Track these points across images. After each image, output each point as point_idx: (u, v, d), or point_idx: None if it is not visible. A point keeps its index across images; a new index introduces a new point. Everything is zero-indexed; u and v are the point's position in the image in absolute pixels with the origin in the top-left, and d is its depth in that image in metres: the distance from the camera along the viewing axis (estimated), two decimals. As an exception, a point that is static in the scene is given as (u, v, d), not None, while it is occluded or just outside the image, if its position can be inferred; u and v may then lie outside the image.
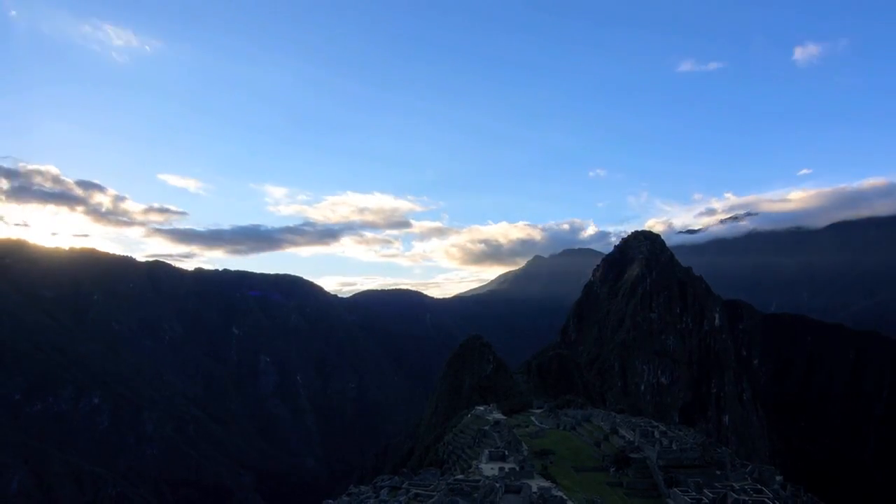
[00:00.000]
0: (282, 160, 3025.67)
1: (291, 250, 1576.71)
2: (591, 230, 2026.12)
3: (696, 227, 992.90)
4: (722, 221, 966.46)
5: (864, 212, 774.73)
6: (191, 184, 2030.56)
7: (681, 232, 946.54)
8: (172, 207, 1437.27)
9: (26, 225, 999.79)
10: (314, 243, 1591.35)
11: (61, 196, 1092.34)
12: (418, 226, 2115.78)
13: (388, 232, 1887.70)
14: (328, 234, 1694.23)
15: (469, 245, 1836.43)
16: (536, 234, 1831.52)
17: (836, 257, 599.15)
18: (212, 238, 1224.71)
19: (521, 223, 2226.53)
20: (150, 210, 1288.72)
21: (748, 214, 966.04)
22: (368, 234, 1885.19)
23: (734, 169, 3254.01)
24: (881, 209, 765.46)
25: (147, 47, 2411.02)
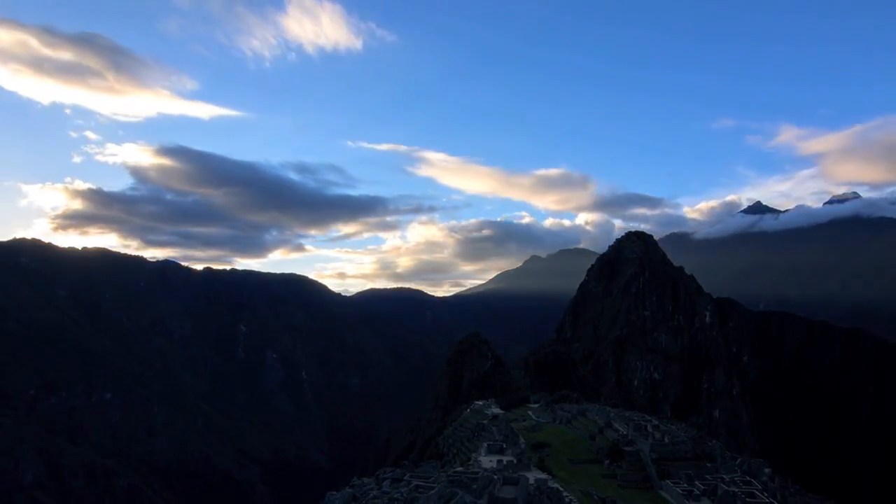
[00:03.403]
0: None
1: (293, 252, 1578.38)
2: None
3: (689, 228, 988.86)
4: (714, 220, 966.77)
5: (853, 210, 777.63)
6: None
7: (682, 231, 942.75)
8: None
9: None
10: (325, 243, 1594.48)
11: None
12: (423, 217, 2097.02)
13: (390, 219, 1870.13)
14: (332, 232, 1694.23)
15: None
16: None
17: (824, 256, 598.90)
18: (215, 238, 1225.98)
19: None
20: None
21: (742, 213, 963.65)
22: (367, 231, 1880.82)
23: (734, 166, 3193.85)
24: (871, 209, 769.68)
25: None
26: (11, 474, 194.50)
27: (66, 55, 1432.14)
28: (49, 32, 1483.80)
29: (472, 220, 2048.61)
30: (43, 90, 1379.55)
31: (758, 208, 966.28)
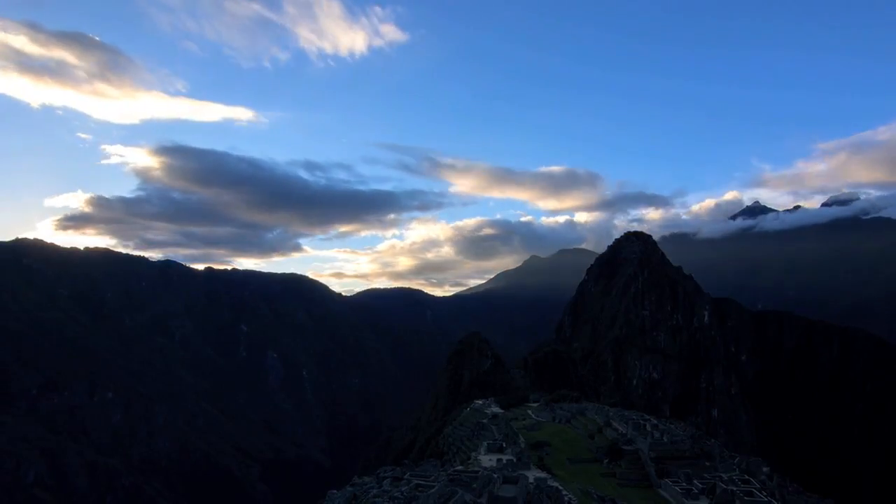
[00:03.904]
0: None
1: (296, 253, 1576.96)
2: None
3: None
4: (715, 220, 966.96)
5: (851, 210, 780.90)
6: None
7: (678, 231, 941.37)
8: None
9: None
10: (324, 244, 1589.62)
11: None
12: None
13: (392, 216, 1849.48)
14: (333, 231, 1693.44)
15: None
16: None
17: (822, 255, 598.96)
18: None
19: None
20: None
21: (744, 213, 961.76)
22: (368, 230, 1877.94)
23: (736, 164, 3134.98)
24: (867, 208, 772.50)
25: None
26: (14, 473, 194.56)
27: (54, 55, 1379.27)
28: (35, 30, 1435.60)
29: (473, 220, 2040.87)
30: (32, 92, 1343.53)
31: (757, 208, 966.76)
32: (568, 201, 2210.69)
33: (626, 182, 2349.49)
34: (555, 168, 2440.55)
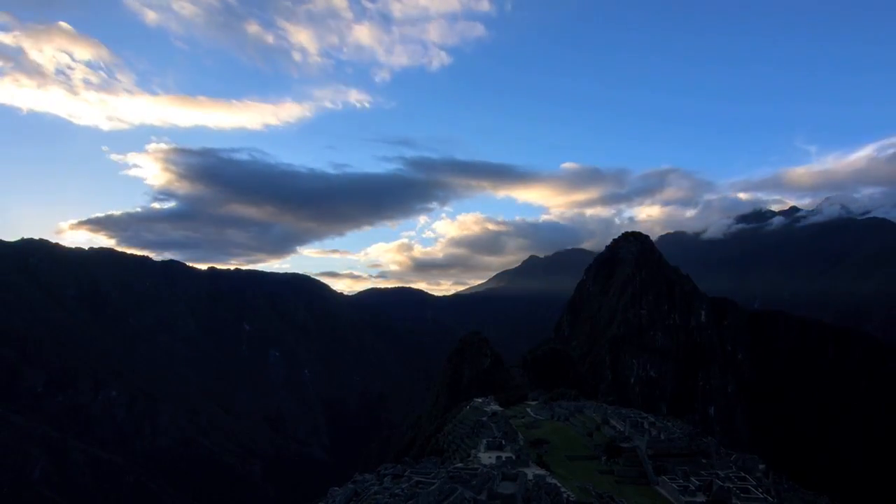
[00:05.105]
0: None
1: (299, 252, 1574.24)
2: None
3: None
4: (714, 220, 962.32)
5: (848, 210, 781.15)
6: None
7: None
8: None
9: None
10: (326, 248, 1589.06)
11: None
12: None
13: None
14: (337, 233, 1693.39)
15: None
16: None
17: (818, 255, 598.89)
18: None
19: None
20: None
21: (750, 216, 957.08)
22: (369, 230, 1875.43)
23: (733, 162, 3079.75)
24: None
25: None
26: (20, 470, 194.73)
27: (42, 55, 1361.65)
28: (15, 20, 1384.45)
29: (473, 218, 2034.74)
30: (21, 96, 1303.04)
31: (756, 208, 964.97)
32: (577, 198, 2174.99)
33: (647, 177, 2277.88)
34: (571, 165, 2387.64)
